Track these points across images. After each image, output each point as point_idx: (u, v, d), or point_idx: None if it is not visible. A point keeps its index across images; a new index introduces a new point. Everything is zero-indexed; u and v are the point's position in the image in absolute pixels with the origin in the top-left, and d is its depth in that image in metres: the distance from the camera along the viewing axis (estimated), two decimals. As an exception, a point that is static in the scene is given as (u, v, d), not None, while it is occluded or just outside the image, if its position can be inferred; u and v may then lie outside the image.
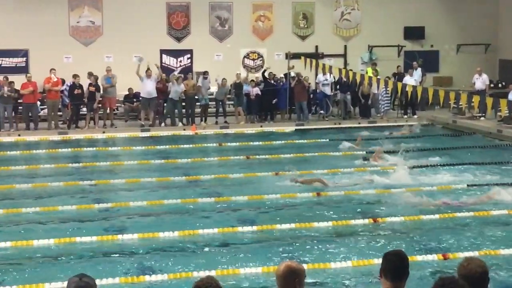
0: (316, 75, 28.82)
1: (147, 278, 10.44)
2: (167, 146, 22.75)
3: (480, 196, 15.42)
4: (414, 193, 15.47)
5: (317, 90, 28.72)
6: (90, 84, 26.36)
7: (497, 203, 14.77)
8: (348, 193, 15.97)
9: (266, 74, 28.20)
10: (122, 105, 28.07)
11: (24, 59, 29.72)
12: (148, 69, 26.64)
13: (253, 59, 31.94)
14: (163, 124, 26.93)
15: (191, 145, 23.17)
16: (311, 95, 28.53)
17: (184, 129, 26.23)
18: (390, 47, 32.44)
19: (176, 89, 26.58)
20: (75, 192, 16.21)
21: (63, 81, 26.75)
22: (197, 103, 27.60)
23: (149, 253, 11.71)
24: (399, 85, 25.06)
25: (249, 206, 14.92)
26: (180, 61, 31.10)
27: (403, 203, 14.89)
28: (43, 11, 29.57)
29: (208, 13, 31.61)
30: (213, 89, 28.17)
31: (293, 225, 13.23)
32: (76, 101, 26.20)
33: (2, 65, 29.16)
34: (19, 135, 24.79)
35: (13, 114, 25.88)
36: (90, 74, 26.69)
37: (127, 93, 28.12)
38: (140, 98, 27.00)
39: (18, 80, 26.28)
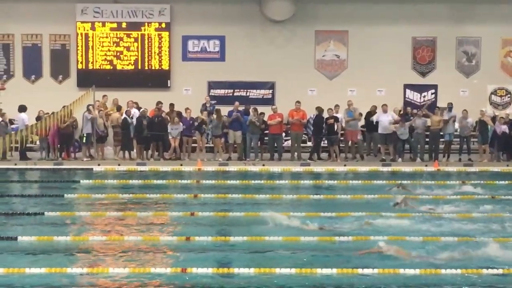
0: None
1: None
2: (409, 181, 22.33)
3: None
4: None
5: None
6: (328, 118, 26.63)
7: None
8: None
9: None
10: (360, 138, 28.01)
11: (271, 91, 30.72)
12: (384, 104, 26.56)
13: (501, 96, 30.76)
14: (399, 160, 26.58)
15: (432, 182, 22.61)
16: None
17: (426, 165, 25.71)
18: None
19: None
20: (314, 221, 16.25)
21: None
22: (441, 139, 27.03)
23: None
24: None
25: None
26: (424, 96, 30.64)
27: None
28: (291, 46, 30.45)
29: (455, 48, 30.99)
30: (456, 125, 27.43)
31: None
32: (319, 134, 26.60)
33: (250, 97, 30.31)
34: (263, 165, 25.54)
35: (259, 144, 26.75)
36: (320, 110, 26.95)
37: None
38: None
39: (264, 111, 27.16)
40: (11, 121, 27.50)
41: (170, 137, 26.20)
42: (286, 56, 30.56)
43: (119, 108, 27.13)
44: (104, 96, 27.25)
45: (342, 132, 27.23)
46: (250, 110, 27.05)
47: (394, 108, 27.67)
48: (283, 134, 27.54)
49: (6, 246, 13.97)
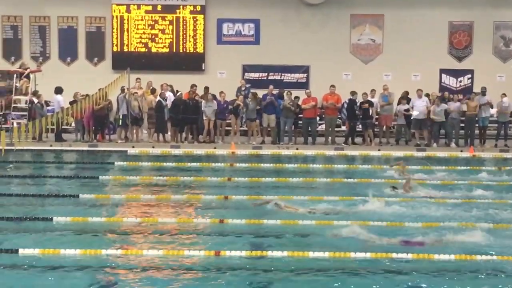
0: None
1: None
2: (443, 167, 22.12)
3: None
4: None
5: None
6: (363, 102, 26.46)
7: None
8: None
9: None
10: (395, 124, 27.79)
11: (305, 75, 30.62)
12: (419, 89, 26.33)
13: (539, 81, 30.39)
14: (435, 144, 26.37)
15: (467, 167, 22.41)
16: None
17: (461, 151, 25.49)
18: None
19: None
20: (348, 205, 16.19)
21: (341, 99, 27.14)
22: (476, 125, 26.76)
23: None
24: None
25: None
26: (460, 81, 30.34)
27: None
28: (326, 29, 30.30)
29: (492, 33, 30.60)
30: (493, 111, 27.12)
31: None
32: (353, 118, 26.49)
33: (284, 80, 30.26)
34: (297, 149, 25.50)
35: (293, 128, 26.70)
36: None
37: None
38: (412, 119, 26.68)
39: (298, 95, 27.07)
40: (47, 103, 27.71)
41: (204, 117, 26.21)
42: (321, 40, 30.42)
43: (153, 91, 27.20)
44: (137, 79, 27.34)
45: (377, 117, 27.07)
46: (284, 94, 26.99)
47: (432, 92, 27.47)
48: (317, 118, 27.45)
49: (42, 227, 14.12)
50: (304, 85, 29.90)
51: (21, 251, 12.13)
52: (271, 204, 15.56)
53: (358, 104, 26.58)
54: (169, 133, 26.56)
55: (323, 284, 10.88)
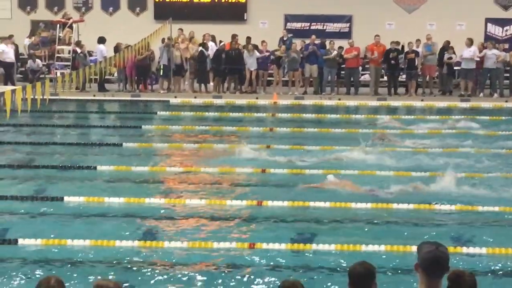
0: None
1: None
2: (487, 117, 21.87)
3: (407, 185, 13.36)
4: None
5: None
6: (408, 52, 26.12)
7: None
8: None
9: None
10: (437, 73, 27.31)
11: (348, 24, 30.30)
12: (468, 38, 25.88)
13: None
14: (481, 94, 26.00)
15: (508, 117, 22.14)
16: None
17: (506, 101, 25.09)
18: None
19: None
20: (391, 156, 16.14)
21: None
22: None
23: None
24: None
25: None
26: (506, 30, 29.77)
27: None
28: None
29: (539, -21, 29.87)
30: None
31: None
32: (396, 68, 26.20)
33: (327, 30, 29.97)
34: (339, 99, 25.36)
35: (336, 78, 26.52)
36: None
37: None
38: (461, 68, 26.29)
39: (341, 45, 26.82)
40: (90, 53, 27.86)
41: (246, 67, 26.12)
42: (364, -12, 30.02)
43: (195, 41, 27.15)
44: (179, 29, 27.27)
45: (420, 67, 26.70)
46: (327, 44, 26.76)
47: (479, 43, 27.00)
48: (360, 68, 27.20)
49: (85, 175, 14.33)
50: (346, 35, 29.56)
51: (66, 198, 12.34)
52: None
53: (403, 54, 26.23)
54: (211, 83, 26.55)
55: (366, 233, 10.90)
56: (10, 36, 27.13)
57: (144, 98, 25.28)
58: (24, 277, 9.06)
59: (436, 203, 12.26)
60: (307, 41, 26.81)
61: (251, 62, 26.02)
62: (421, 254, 4.83)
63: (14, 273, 9.16)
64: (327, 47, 26.40)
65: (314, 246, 10.18)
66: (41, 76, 26.92)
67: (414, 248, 5.15)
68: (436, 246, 4.83)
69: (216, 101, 24.81)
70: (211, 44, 26.79)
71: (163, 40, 26.24)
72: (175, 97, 25.26)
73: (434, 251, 4.79)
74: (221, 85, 26.44)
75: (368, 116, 22.31)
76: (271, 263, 9.56)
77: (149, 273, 9.27)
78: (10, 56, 26.36)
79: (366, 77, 27.45)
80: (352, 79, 26.45)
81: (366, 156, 15.73)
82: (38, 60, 27.54)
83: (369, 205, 12.10)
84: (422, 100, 25.20)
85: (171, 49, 26.08)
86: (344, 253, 9.93)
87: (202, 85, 26.48)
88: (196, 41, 27.07)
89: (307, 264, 9.64)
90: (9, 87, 22.55)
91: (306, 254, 10.04)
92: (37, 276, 8.98)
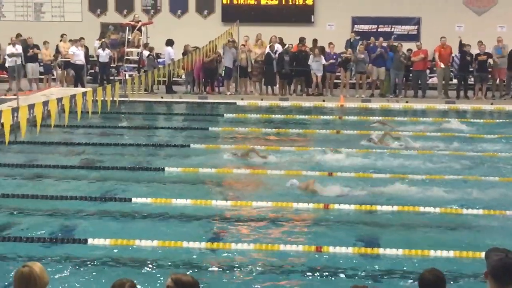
0: None
1: None
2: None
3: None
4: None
5: None
6: (479, 54, 25.71)
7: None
8: None
9: None
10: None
11: (416, 27, 29.97)
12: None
13: None
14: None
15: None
16: None
17: None
18: None
19: None
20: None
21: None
22: None
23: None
24: None
25: None
26: None
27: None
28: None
29: None
30: None
31: None
32: (465, 71, 25.84)
33: (395, 32, 29.71)
34: (406, 102, 25.10)
35: (404, 80, 26.25)
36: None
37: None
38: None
39: (409, 47, 26.53)
40: (158, 55, 28.16)
41: (312, 71, 26.05)
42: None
43: (262, 44, 27.20)
44: (245, 36, 27.32)
45: (490, 69, 26.26)
46: (394, 44, 26.52)
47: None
48: (428, 71, 26.88)
49: (154, 176, 14.48)
50: (415, 38, 29.21)
51: (134, 199, 12.50)
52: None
53: (473, 56, 25.83)
54: (277, 85, 26.57)
55: (434, 239, 10.77)
56: (81, 39, 27.61)
57: (211, 100, 25.44)
58: (93, 276, 9.22)
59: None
60: (372, 43, 26.69)
61: (316, 67, 25.88)
62: (491, 262, 4.71)
63: (83, 272, 9.34)
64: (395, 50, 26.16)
65: (381, 251, 10.11)
66: (111, 77, 27.43)
67: (482, 255, 5.03)
68: (506, 253, 4.72)
69: (282, 103, 24.82)
70: (277, 46, 26.80)
71: (228, 42, 26.34)
72: (242, 99, 25.35)
73: (505, 258, 4.68)
74: (287, 87, 26.43)
75: (436, 119, 22.02)
76: (338, 267, 9.53)
77: (215, 274, 9.33)
78: (80, 58, 26.82)
79: (434, 79, 27.10)
80: (419, 82, 26.15)
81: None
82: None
83: (437, 209, 11.95)
84: (491, 104, 24.76)
85: (237, 50, 26.18)
86: (412, 259, 9.84)
87: (269, 87, 26.51)
88: (264, 43, 27.10)
89: (373, 268, 9.58)
90: (80, 89, 23.02)
91: (373, 258, 9.98)
92: (105, 274, 9.14)
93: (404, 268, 9.53)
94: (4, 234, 10.71)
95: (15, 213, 11.93)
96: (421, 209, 11.99)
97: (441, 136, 18.98)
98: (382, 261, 9.87)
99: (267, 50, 26.30)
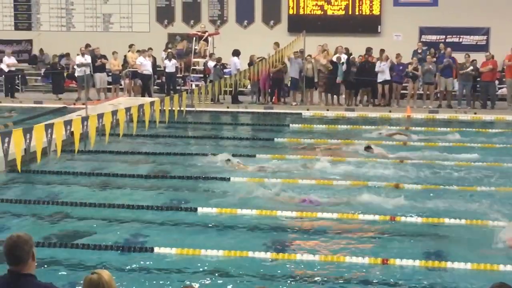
0: None
1: None
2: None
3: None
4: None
5: None
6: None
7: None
8: None
9: None
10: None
11: (485, 37, 29.53)
12: None
13: None
14: None
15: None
16: None
17: None
18: None
19: None
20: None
21: None
22: None
23: None
24: None
25: None
26: None
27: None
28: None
29: None
30: None
31: None
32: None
33: (463, 43, 29.33)
34: (475, 113, 24.70)
35: (472, 92, 25.83)
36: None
37: None
38: None
39: (478, 58, 26.09)
40: (224, 65, 28.32)
41: (378, 81, 25.79)
42: (502, 0, 29.13)
43: (328, 54, 27.12)
44: (319, 46, 27.24)
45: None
46: (463, 57, 26.14)
47: None
48: (496, 82, 26.41)
49: (219, 186, 14.54)
50: (483, 48, 28.79)
51: (199, 209, 12.56)
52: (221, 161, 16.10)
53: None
54: (343, 95, 26.45)
55: (501, 251, 10.56)
56: (149, 49, 27.96)
57: (276, 110, 25.46)
58: (159, 284, 9.29)
59: None
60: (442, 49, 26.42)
61: (382, 66, 25.57)
62: None
63: (149, 280, 9.41)
64: (463, 60, 25.77)
65: (448, 264, 9.95)
66: (177, 87, 27.70)
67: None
68: None
69: (348, 114, 24.69)
70: (344, 56, 26.68)
71: (295, 52, 26.31)
72: (307, 109, 25.31)
73: None
74: (354, 97, 26.28)
75: (506, 130, 21.63)
76: (404, 280, 9.42)
77: (281, 285, 9.31)
78: (148, 68, 27.16)
79: (503, 90, 26.62)
80: (488, 93, 25.70)
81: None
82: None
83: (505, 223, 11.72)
84: None
85: (303, 61, 26.16)
86: (480, 273, 9.66)
87: (335, 97, 26.40)
88: (330, 53, 27.01)
89: (441, 282, 9.44)
90: (147, 99, 23.30)
91: (440, 271, 9.85)
92: (171, 283, 9.20)
93: (472, 282, 9.36)
94: (72, 241, 10.87)
95: (82, 221, 12.11)
96: (490, 223, 11.77)
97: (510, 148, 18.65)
98: (449, 274, 9.73)
99: (334, 59, 26.16)
